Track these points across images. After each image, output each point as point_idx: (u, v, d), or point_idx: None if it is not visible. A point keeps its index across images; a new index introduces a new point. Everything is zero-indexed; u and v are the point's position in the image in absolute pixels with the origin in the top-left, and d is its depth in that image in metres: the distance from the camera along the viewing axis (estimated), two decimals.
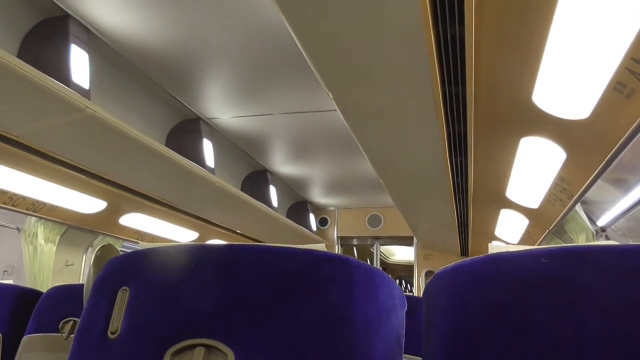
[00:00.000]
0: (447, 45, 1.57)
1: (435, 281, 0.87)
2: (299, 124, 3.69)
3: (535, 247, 0.78)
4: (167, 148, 3.01)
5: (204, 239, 4.61)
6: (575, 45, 1.41)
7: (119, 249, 3.79)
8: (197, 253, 0.90)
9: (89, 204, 3.32)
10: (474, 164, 2.58)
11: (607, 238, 2.87)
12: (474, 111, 2.01)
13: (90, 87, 2.54)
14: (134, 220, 3.78)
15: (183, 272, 0.88)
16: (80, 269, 3.66)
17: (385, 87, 1.95)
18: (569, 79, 1.59)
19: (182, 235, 4.40)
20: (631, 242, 2.24)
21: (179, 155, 3.04)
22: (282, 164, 4.67)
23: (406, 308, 0.98)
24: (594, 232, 2.60)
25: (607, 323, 0.68)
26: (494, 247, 0.90)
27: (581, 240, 2.65)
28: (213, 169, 3.61)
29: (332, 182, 5.21)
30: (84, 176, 2.95)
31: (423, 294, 0.88)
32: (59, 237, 3.48)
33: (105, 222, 3.56)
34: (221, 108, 3.51)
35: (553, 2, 1.31)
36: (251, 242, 5.19)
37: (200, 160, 3.49)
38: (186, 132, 3.54)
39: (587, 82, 1.54)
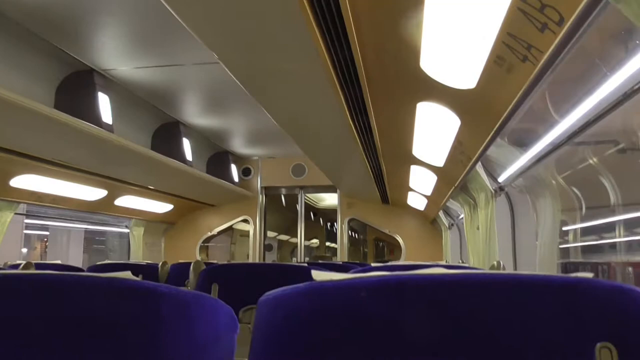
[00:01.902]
0: (322, 7, 1.43)
1: (259, 309, 0.78)
2: (214, 74, 3.43)
3: (359, 275, 0.70)
4: (51, 109, 2.74)
5: (114, 196, 4.38)
6: (452, 17, 1.31)
7: (12, 213, 3.52)
8: None
9: None
10: (377, 125, 2.51)
11: (507, 195, 2.93)
12: (366, 75, 1.91)
13: None
14: (28, 181, 3.49)
15: None
16: None
17: (268, 49, 1.81)
18: (452, 49, 1.51)
19: (89, 194, 4.15)
20: (529, 199, 2.26)
21: (67, 115, 2.77)
22: (198, 116, 4.43)
23: (238, 330, 0.89)
24: (493, 190, 2.64)
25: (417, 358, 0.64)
26: (318, 275, 0.81)
27: (481, 199, 2.69)
28: (111, 125, 3.35)
29: (254, 133, 5.03)
30: None
31: (254, 319, 0.79)
32: None
33: None
34: (119, 59, 3.21)
35: None
36: (175, 198, 5.00)
37: (95, 116, 3.22)
38: (78, 86, 3.23)
39: (469, 53, 1.46)
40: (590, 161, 2.47)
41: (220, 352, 0.83)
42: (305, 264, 2.16)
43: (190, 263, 1.91)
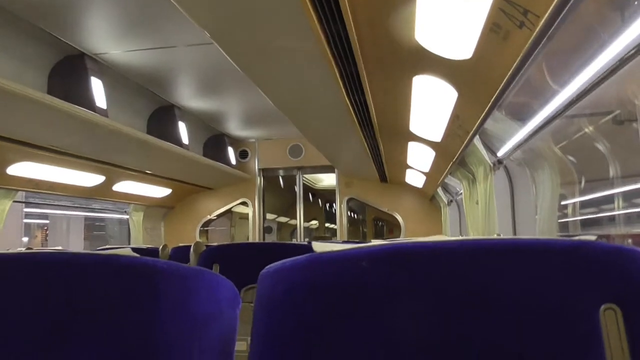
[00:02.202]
0: None
1: (260, 283, 0.78)
2: (208, 56, 3.38)
3: (360, 246, 0.69)
4: (43, 94, 2.71)
5: (112, 181, 4.37)
6: None
7: (10, 201, 3.51)
8: None
9: None
10: (373, 100, 2.49)
11: (506, 169, 2.93)
12: (361, 50, 1.88)
13: None
14: (24, 169, 3.48)
15: None
16: None
17: (261, 26, 1.78)
18: (447, 19, 1.48)
19: (86, 179, 4.13)
20: (527, 172, 2.26)
21: (60, 101, 2.74)
22: (192, 99, 4.38)
23: (240, 306, 0.88)
24: (492, 164, 2.63)
25: (420, 327, 0.63)
26: (318, 247, 0.80)
27: (480, 173, 2.68)
28: (105, 110, 3.32)
29: (250, 114, 4.99)
30: None
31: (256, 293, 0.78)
32: None
33: None
34: (110, 42, 3.16)
35: None
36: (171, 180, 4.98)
37: (89, 101, 3.19)
38: (70, 71, 3.19)
39: (464, 22, 1.43)
40: (587, 130, 2.46)
41: (222, 328, 0.83)
42: (306, 243, 2.17)
43: (190, 246, 1.91)
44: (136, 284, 0.74)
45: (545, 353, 0.60)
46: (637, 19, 1.36)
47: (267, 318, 0.70)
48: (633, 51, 1.35)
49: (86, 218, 9.77)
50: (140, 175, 4.51)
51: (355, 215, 9.85)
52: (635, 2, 1.34)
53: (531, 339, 0.60)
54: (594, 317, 0.59)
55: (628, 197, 2.47)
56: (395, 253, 0.66)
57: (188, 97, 4.30)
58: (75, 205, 7.44)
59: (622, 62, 1.44)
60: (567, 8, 1.09)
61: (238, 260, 1.83)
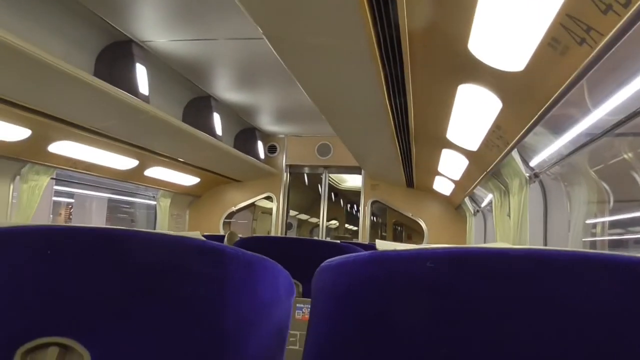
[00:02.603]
0: None
1: (319, 276, 0.80)
2: (246, 50, 3.45)
3: (424, 247, 0.72)
4: (92, 76, 2.78)
5: (145, 166, 4.46)
6: None
7: (49, 178, 3.61)
8: (52, 237, 0.79)
9: (10, 132, 3.08)
10: (414, 105, 2.50)
11: (541, 183, 2.91)
12: (410, 55, 1.90)
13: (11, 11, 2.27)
14: (65, 148, 3.58)
15: (34, 260, 0.77)
16: (7, 201, 3.48)
17: (316, 25, 1.81)
18: (504, 31, 1.49)
19: (121, 162, 4.23)
20: (563, 187, 2.24)
21: (106, 84, 2.82)
22: (228, 91, 4.45)
23: (295, 294, 0.92)
24: (527, 177, 2.62)
25: (483, 331, 0.65)
26: (382, 244, 0.83)
27: (514, 185, 2.68)
28: (147, 96, 3.40)
29: (282, 110, 5.04)
30: (1, 104, 2.72)
31: (312, 286, 0.81)
32: None
33: (30, 150, 3.34)
34: (156, 30, 3.24)
35: None
36: (197, 170, 5.06)
37: (132, 87, 3.27)
38: (117, 56, 3.27)
39: (522, 35, 1.44)
40: (625, 156, 2.43)
41: (280, 314, 0.87)
42: (338, 241, 2.19)
43: (215, 235, 1.94)
44: (206, 265, 0.78)
45: None
46: None
47: (327, 309, 0.73)
48: None
49: (110, 200, 9.93)
50: (172, 162, 4.59)
51: (376, 219, 9.85)
52: None
53: (591, 351, 0.62)
54: None
55: None
56: (461, 256, 0.68)
57: (224, 89, 4.37)
58: (102, 187, 7.57)
59: None
60: (633, 29, 1.10)
61: (271, 254, 1.86)
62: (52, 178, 3.90)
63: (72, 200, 9.90)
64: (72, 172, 4.14)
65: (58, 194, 8.94)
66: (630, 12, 1.05)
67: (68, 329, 0.74)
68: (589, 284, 0.64)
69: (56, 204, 9.80)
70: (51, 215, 8.87)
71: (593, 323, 0.62)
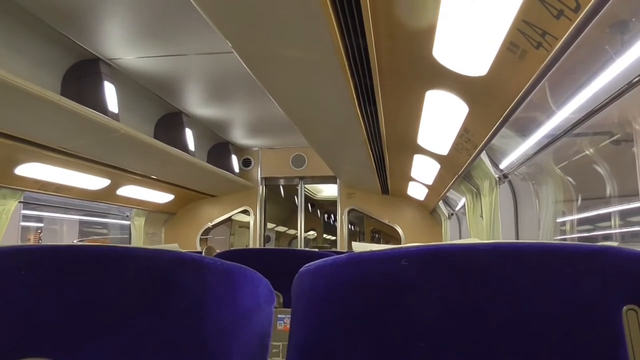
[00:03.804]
0: None
1: (298, 280, 0.82)
2: (216, 64, 3.46)
3: (398, 246, 0.74)
4: (59, 96, 2.75)
5: (117, 185, 4.40)
6: (468, 5, 1.35)
7: (16, 202, 3.53)
8: (33, 255, 0.79)
9: None
10: (384, 113, 2.55)
11: (511, 183, 2.99)
12: (378, 64, 1.94)
13: None
14: (33, 169, 3.51)
15: (13, 277, 0.77)
16: None
17: (284, 37, 1.84)
18: (465, 37, 1.55)
19: (92, 182, 4.16)
20: (531, 186, 2.32)
21: (74, 103, 2.79)
22: (200, 106, 4.44)
23: (275, 302, 0.93)
24: (497, 178, 2.69)
25: (457, 322, 0.68)
26: (358, 246, 0.85)
27: (485, 187, 2.74)
28: (117, 114, 3.37)
29: (254, 123, 5.05)
30: None
31: (292, 291, 0.82)
32: None
33: None
34: (124, 48, 3.22)
35: None
36: (176, 188, 5.01)
37: (101, 105, 3.23)
38: (84, 74, 3.24)
39: (482, 40, 1.50)
40: (587, 152, 2.52)
41: (261, 322, 0.87)
42: (316, 250, 2.21)
43: (193, 253, 1.92)
44: (185, 277, 0.78)
45: (572, 350, 0.64)
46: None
47: (308, 311, 0.74)
48: (637, 78, 1.42)
49: (81, 222, 9.72)
50: (145, 180, 4.55)
51: (353, 227, 9.88)
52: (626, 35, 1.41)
53: (558, 338, 0.65)
54: (617, 317, 0.64)
55: (624, 215, 2.54)
56: (433, 253, 0.71)
57: (195, 104, 4.36)
58: (72, 208, 7.42)
59: (630, 85, 1.50)
60: (585, 31, 1.15)
61: (251, 266, 1.86)
62: (19, 202, 3.82)
63: (41, 225, 9.65)
64: (41, 194, 4.06)
65: (26, 218, 8.71)
66: (581, 16, 1.11)
67: (48, 348, 0.74)
68: (553, 272, 0.67)
69: (24, 229, 9.54)
70: (19, 242, 8.64)
71: (558, 308, 0.65)
